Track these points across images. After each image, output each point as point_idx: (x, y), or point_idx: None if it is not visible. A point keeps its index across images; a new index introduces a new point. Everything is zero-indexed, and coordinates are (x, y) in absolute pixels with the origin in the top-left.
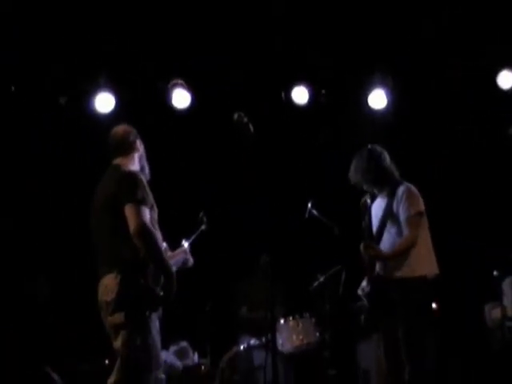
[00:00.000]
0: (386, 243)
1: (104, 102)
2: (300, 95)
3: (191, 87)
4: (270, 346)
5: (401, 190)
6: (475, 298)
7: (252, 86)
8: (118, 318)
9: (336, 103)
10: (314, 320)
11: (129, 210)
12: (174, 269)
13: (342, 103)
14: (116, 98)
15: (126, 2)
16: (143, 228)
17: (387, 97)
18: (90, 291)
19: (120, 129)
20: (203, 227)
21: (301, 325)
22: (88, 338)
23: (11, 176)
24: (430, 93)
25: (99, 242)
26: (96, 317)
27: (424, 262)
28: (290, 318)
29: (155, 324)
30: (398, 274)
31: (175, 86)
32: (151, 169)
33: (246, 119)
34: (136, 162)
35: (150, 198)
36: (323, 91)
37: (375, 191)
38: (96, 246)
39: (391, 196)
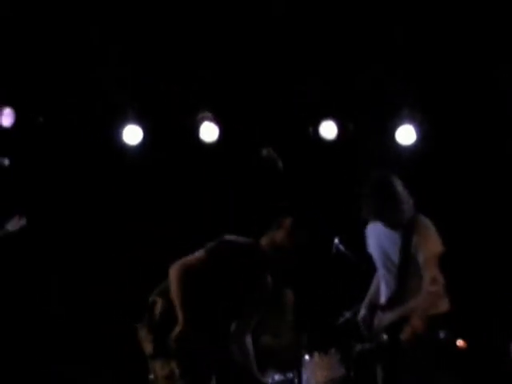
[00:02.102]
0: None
1: (132, 134)
2: (328, 130)
3: (219, 120)
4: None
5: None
6: (501, 333)
7: (280, 119)
8: None
9: (364, 138)
10: (339, 356)
11: None
12: None
13: (369, 138)
14: (144, 130)
15: (157, 35)
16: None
17: (416, 132)
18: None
19: None
20: None
21: (326, 360)
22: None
23: (40, 213)
24: (459, 130)
25: None
26: None
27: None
28: (316, 354)
29: None
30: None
31: (203, 119)
32: (178, 201)
33: (275, 155)
34: None
35: None
36: (351, 126)
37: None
38: None
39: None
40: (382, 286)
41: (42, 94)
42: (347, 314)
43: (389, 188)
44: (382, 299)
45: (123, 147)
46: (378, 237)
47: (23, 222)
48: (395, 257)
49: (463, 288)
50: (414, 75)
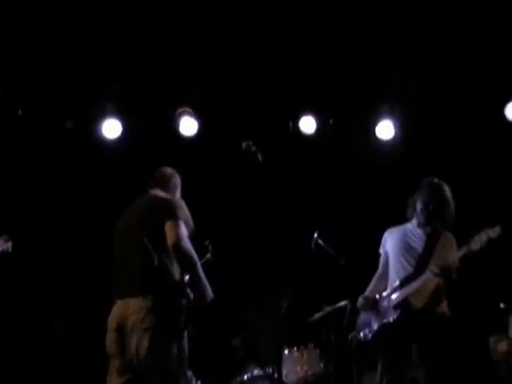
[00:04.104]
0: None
1: (111, 128)
2: (307, 125)
3: (198, 115)
4: (276, 377)
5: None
6: (481, 330)
7: (259, 114)
8: (159, 342)
9: (343, 133)
10: (318, 351)
11: (170, 226)
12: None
13: (349, 133)
14: (123, 125)
15: (135, 29)
16: (182, 244)
17: (395, 127)
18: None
19: (169, 169)
20: (208, 256)
21: (305, 355)
22: None
23: (17, 199)
24: (437, 123)
25: (126, 264)
26: None
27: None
28: (295, 349)
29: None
30: (438, 309)
31: (182, 113)
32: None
33: (254, 148)
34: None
35: (191, 222)
36: (331, 121)
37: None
38: (120, 268)
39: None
40: (393, 273)
41: (21, 87)
42: (326, 309)
43: (445, 194)
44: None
45: (102, 141)
46: (402, 236)
47: (8, 246)
48: (419, 249)
49: None
50: (393, 71)
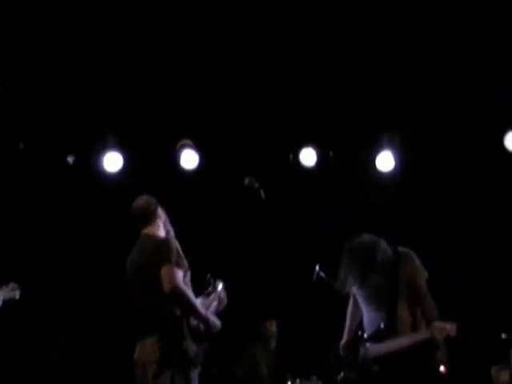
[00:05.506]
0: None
1: (112, 162)
2: (308, 157)
3: (199, 148)
4: None
5: None
6: (483, 360)
7: (260, 146)
8: (164, 379)
9: (344, 165)
10: (320, 383)
11: (164, 272)
12: (216, 322)
13: (350, 165)
14: (124, 158)
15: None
16: (177, 289)
17: (395, 158)
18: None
19: (140, 200)
20: (210, 289)
21: None
22: None
23: (19, 232)
24: (437, 154)
25: (139, 304)
26: None
27: None
28: (297, 382)
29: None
30: None
31: (183, 146)
32: None
33: (257, 184)
34: (161, 229)
35: (184, 261)
36: (331, 153)
37: None
38: (136, 308)
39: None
40: (366, 319)
41: (22, 119)
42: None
43: (361, 251)
44: (367, 331)
45: (104, 174)
46: None
47: (15, 294)
48: (385, 292)
49: (447, 312)
50: (392, 102)
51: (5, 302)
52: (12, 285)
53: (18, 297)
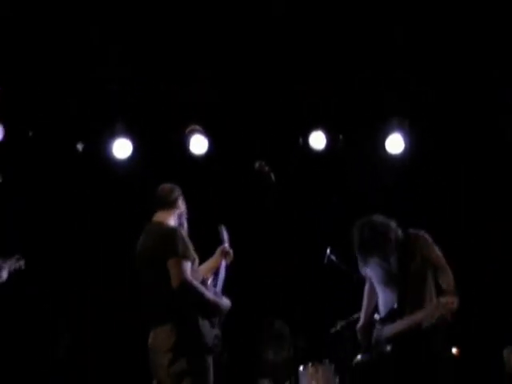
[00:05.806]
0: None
1: (121, 148)
2: (317, 140)
3: (208, 133)
4: None
5: None
6: (494, 342)
7: (269, 130)
8: (180, 365)
9: (353, 148)
10: (333, 366)
11: (171, 265)
12: (226, 304)
13: (359, 148)
14: (133, 144)
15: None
16: (185, 284)
17: (404, 141)
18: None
19: (167, 185)
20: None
21: (320, 371)
22: None
23: (28, 221)
24: (447, 137)
25: (149, 294)
26: None
27: None
28: (310, 365)
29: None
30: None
31: (192, 131)
32: None
33: (267, 168)
34: (173, 218)
35: (191, 251)
36: (341, 136)
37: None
38: (146, 297)
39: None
40: (380, 301)
41: (31, 108)
42: (340, 324)
43: (372, 231)
44: (381, 313)
45: (113, 161)
46: None
47: (21, 264)
48: (399, 271)
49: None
50: (402, 85)
51: (11, 272)
52: (17, 256)
53: (23, 267)
